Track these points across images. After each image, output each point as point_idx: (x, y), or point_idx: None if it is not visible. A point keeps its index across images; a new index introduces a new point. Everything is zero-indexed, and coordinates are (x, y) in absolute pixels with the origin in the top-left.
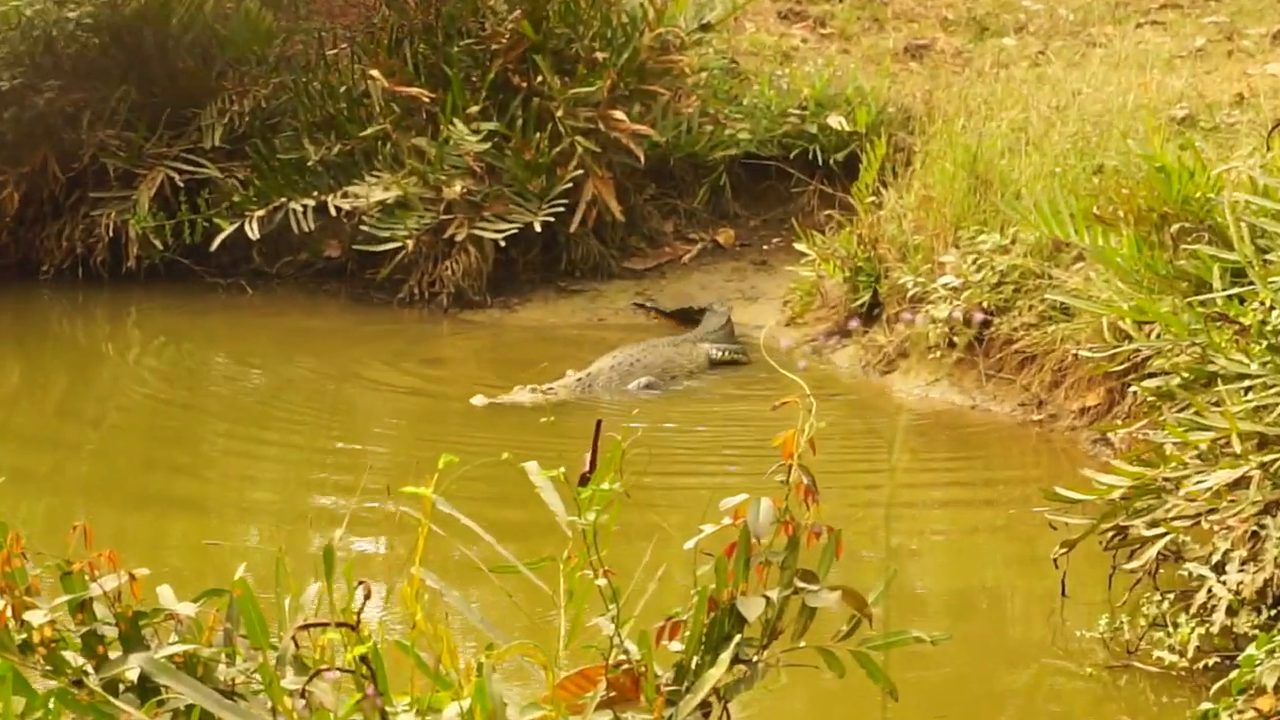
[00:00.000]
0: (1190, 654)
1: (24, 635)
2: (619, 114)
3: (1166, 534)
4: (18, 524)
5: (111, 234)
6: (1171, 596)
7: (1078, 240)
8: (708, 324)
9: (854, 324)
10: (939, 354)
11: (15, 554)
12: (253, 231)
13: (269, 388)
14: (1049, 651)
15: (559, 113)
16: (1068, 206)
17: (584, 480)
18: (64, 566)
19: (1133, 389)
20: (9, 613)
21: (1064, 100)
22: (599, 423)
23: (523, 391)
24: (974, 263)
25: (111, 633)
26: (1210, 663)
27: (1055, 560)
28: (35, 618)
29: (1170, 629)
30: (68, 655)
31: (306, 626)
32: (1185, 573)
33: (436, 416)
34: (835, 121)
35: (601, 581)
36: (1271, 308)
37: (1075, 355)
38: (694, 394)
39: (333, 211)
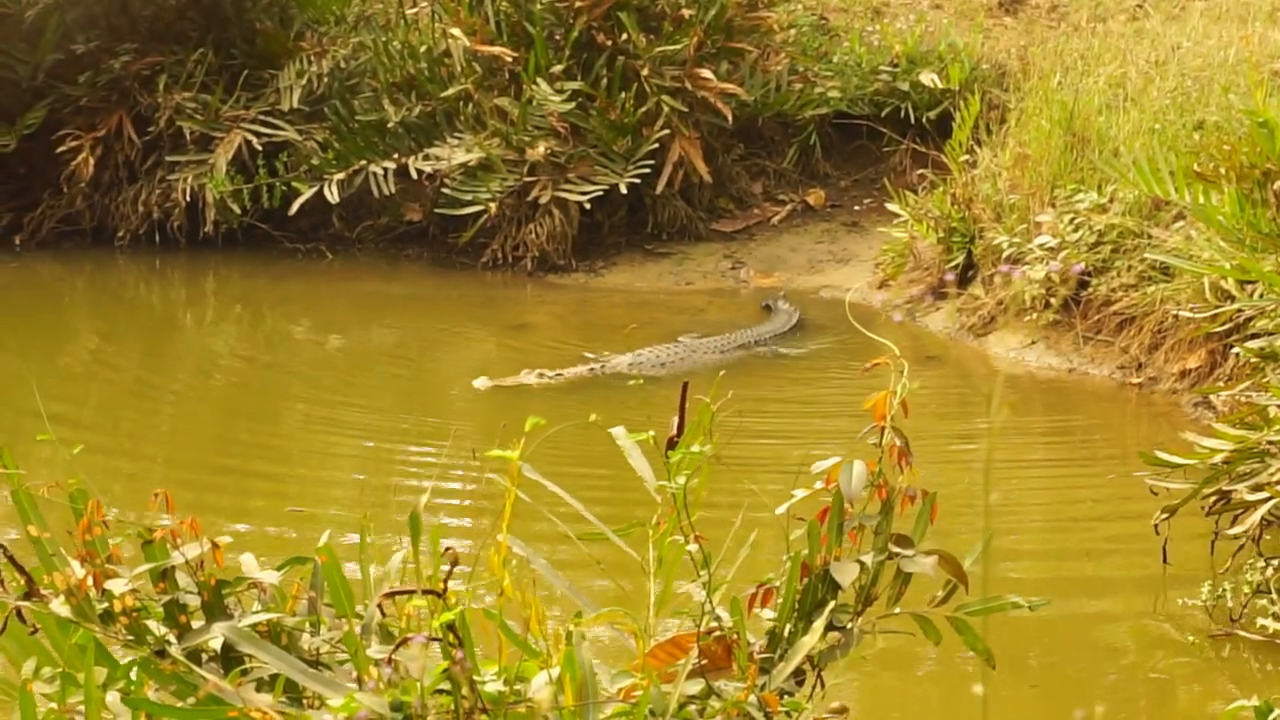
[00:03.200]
0: None
1: (106, 605)
2: (706, 72)
3: (1270, 499)
4: (97, 493)
5: (188, 199)
6: (1276, 563)
7: (1177, 198)
8: (773, 322)
9: (948, 285)
10: (1035, 315)
11: (96, 522)
12: (332, 195)
13: (349, 354)
14: (1150, 619)
15: (644, 71)
16: (1167, 164)
17: (672, 444)
18: (145, 535)
19: (1235, 350)
20: (90, 582)
21: (1163, 55)
22: (685, 385)
23: (529, 374)
24: (1071, 222)
25: (194, 601)
26: None
27: (1156, 526)
28: (117, 586)
29: (1275, 596)
30: (150, 624)
31: (392, 594)
32: None
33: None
34: (928, 79)
35: (692, 547)
36: None
37: (1175, 316)
38: (785, 357)
39: (413, 174)
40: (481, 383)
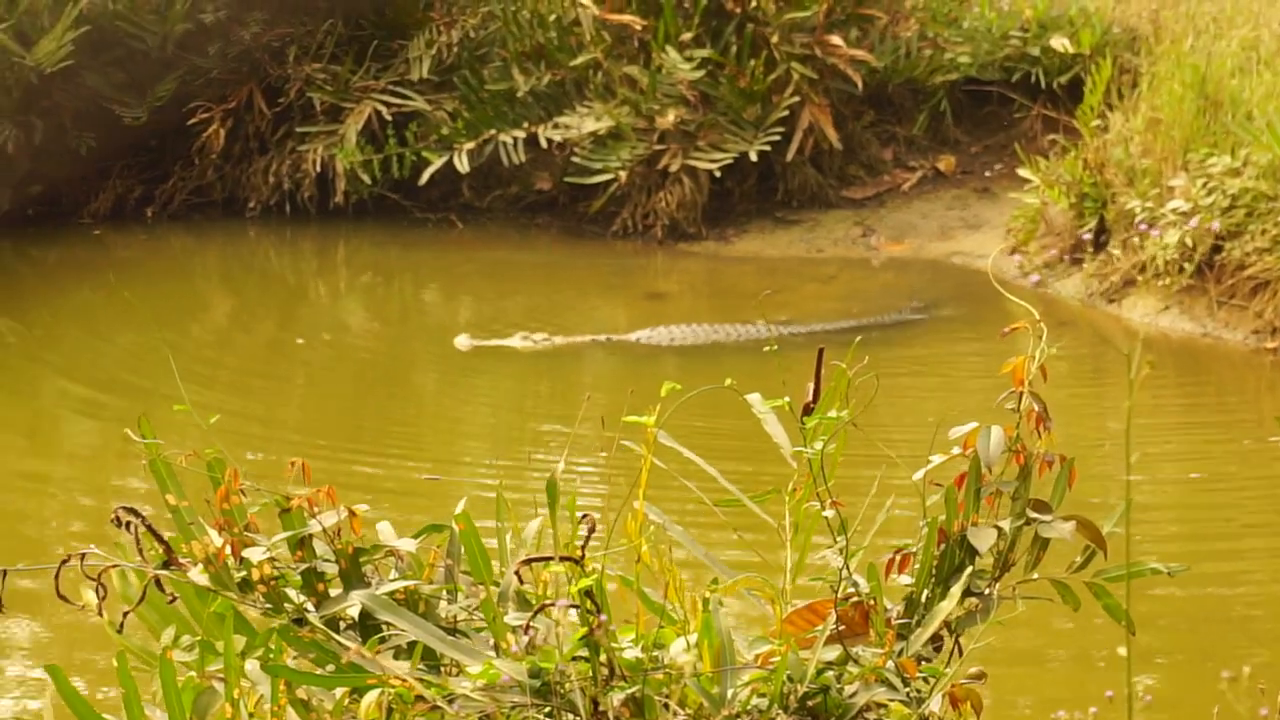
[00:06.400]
0: None
1: (244, 573)
2: (835, 39)
3: None
4: (234, 462)
5: (319, 169)
6: None
7: None
8: (841, 321)
9: (1082, 249)
10: (1169, 280)
11: (234, 491)
12: (462, 165)
13: (480, 324)
14: None
15: (774, 38)
16: None
17: (808, 410)
18: (282, 503)
19: None
20: (229, 550)
21: None
22: (821, 351)
23: (515, 337)
24: (1204, 186)
25: (331, 569)
26: None
27: None
28: (254, 555)
29: None
30: (288, 593)
31: (529, 561)
32: None
33: (655, 352)
34: (1058, 43)
35: (829, 513)
36: None
37: None
38: (919, 324)
39: (543, 143)
40: (463, 341)
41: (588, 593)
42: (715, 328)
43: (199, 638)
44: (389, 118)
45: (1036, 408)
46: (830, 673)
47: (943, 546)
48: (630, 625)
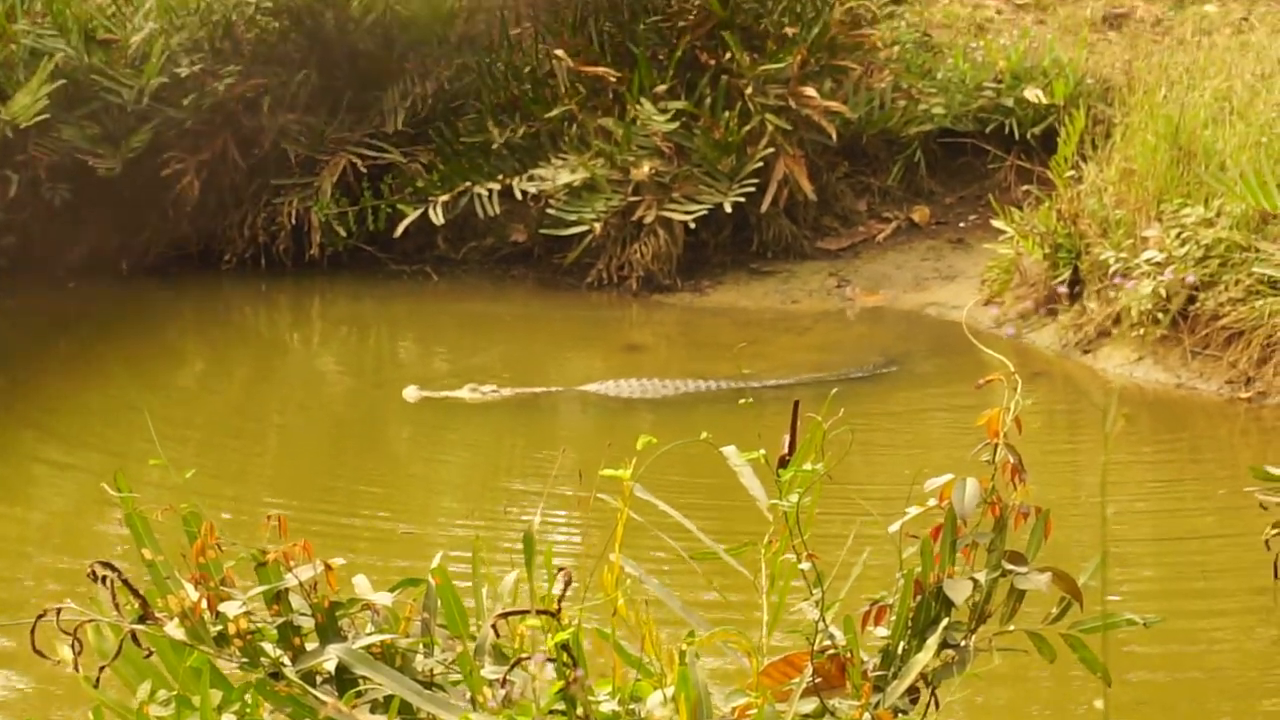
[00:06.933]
0: None
1: (220, 627)
2: (810, 90)
3: None
4: (209, 515)
5: (294, 221)
6: None
7: None
8: (794, 376)
9: (1056, 300)
10: (1143, 331)
11: (210, 545)
12: (437, 217)
13: (456, 376)
14: (1261, 636)
15: (748, 90)
16: (1274, 177)
17: (783, 462)
18: (258, 557)
19: None
20: (205, 605)
21: (1269, 68)
22: (796, 404)
23: (464, 389)
24: (1178, 236)
25: (308, 623)
26: None
27: (1267, 542)
28: (231, 609)
29: None
30: (264, 647)
31: (506, 614)
32: None
33: (633, 404)
34: (1032, 94)
35: (805, 565)
36: None
37: None
38: (893, 375)
39: (518, 195)
40: (411, 393)
41: (564, 646)
42: (665, 382)
43: (175, 692)
44: (364, 170)
45: (1012, 460)
46: None
47: (919, 598)
48: (607, 679)
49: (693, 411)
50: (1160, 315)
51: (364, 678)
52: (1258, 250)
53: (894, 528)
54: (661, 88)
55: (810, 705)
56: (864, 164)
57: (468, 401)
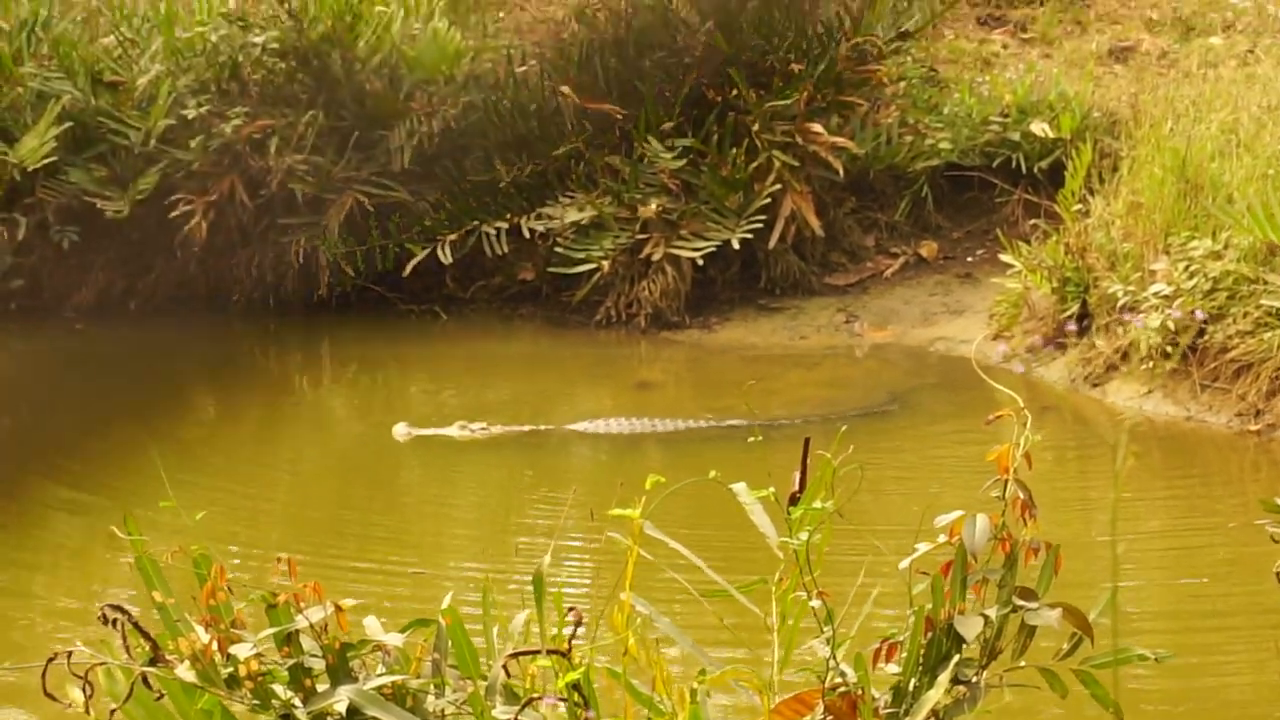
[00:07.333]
0: None
1: (231, 669)
2: (816, 127)
3: None
4: (218, 557)
5: (302, 261)
6: None
7: None
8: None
9: (1065, 335)
10: (1152, 364)
11: (220, 587)
12: (445, 256)
13: (466, 414)
14: (1274, 669)
15: (755, 126)
16: None
17: (794, 500)
18: (269, 599)
19: None
20: (215, 647)
21: (1275, 100)
22: (807, 441)
23: (453, 426)
24: (1185, 269)
25: (319, 665)
26: None
27: (1278, 575)
28: (241, 651)
29: None
30: (275, 689)
31: (517, 655)
32: None
33: (641, 441)
34: (1039, 128)
35: (815, 603)
36: None
37: None
38: (902, 411)
39: (526, 233)
40: (400, 430)
41: (575, 686)
42: (652, 420)
43: None
44: (371, 209)
45: (1022, 495)
46: None
47: (930, 635)
48: (618, 718)
49: (702, 449)
50: (1170, 349)
51: (375, 719)
52: (1266, 282)
53: (904, 564)
54: (668, 125)
55: None
56: (871, 199)
57: (457, 439)
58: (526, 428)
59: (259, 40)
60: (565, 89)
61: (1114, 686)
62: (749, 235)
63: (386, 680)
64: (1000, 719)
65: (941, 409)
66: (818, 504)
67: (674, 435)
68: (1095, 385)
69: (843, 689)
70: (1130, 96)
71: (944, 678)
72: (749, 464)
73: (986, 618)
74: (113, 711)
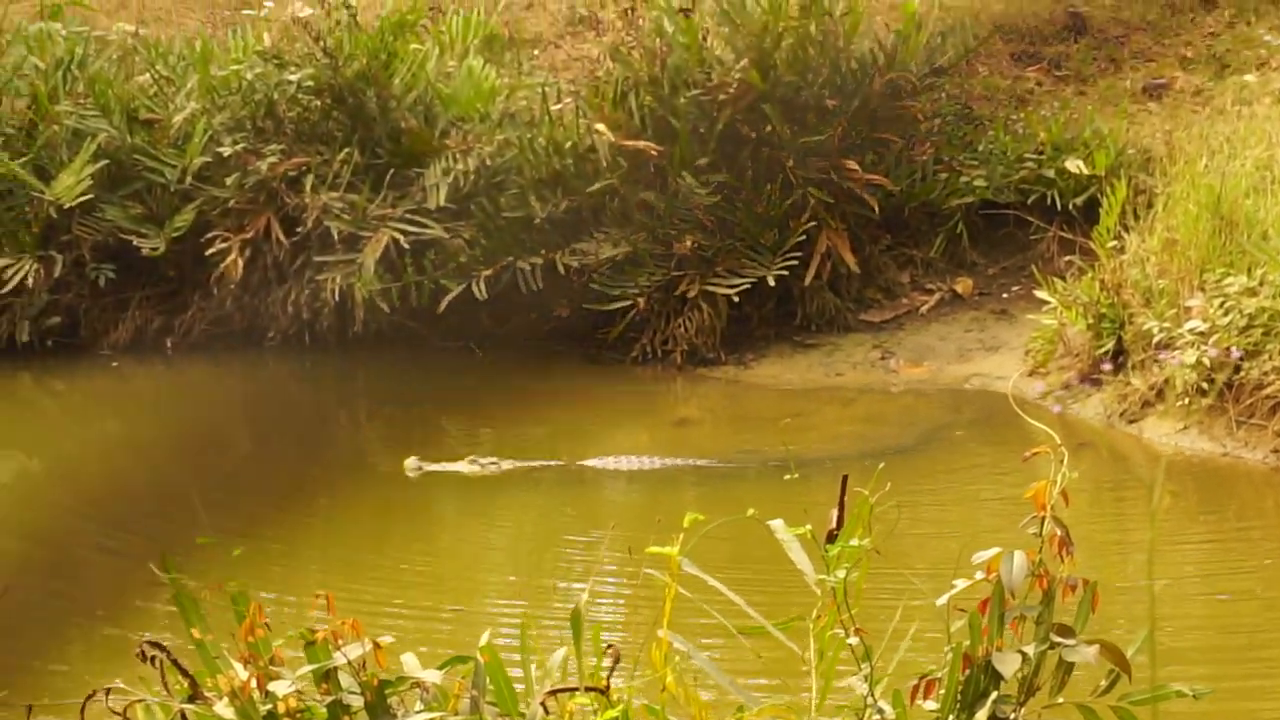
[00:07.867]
0: None
1: (270, 706)
2: (851, 163)
3: None
4: (255, 595)
5: (337, 298)
6: None
7: None
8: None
9: (1101, 373)
10: (1188, 400)
11: (258, 624)
12: (480, 292)
13: (502, 450)
14: None
15: (790, 163)
16: None
17: (831, 537)
18: (307, 636)
19: None
20: (254, 684)
21: None
22: (845, 478)
23: (464, 461)
24: (1221, 306)
25: (357, 702)
26: None
27: None
28: (280, 688)
29: None
30: None
31: (555, 692)
32: None
33: (679, 478)
34: (1073, 165)
35: (853, 640)
36: None
37: None
38: (938, 447)
39: (561, 270)
40: (412, 465)
41: None
42: (658, 460)
43: None
44: (406, 246)
45: (1059, 532)
46: None
47: (967, 672)
48: None
49: (736, 486)
50: (1205, 386)
51: None
52: None
53: (942, 600)
54: (703, 161)
55: None
56: (906, 236)
57: (467, 474)
58: (538, 463)
59: (294, 78)
60: (600, 126)
61: None
62: (784, 272)
63: (425, 718)
64: None
65: (977, 446)
66: (855, 541)
67: (701, 471)
68: (1131, 422)
69: None
70: (1164, 133)
71: (982, 715)
72: (786, 501)
73: (1024, 654)
74: None
